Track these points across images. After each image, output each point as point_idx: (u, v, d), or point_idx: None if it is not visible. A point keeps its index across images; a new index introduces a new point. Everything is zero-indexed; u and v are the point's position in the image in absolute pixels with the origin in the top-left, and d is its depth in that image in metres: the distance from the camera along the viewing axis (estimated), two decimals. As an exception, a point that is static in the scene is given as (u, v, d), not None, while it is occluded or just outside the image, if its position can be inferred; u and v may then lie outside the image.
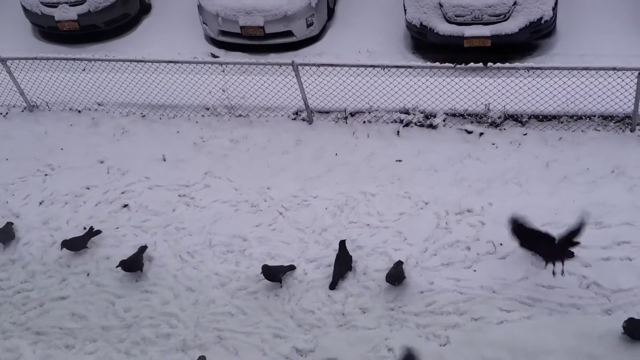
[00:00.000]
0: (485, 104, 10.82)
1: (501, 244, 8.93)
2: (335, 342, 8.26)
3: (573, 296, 8.29)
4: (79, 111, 12.29)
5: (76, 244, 9.65)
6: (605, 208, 9.24)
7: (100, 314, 8.99)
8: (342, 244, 9.04)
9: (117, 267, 9.24)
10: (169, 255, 9.56)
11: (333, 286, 8.86)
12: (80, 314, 9.03)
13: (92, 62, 12.60)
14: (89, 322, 8.93)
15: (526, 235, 8.43)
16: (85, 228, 9.94)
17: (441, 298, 8.52)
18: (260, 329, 8.56)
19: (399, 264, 8.74)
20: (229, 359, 8.30)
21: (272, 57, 12.90)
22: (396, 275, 8.57)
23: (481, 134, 10.70)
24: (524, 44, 12.52)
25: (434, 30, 12.30)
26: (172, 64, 11.63)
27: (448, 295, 8.54)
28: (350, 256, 9.01)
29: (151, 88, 11.89)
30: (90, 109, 12.28)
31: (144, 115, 12.02)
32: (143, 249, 9.48)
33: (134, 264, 9.24)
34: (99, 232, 9.85)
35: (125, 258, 9.30)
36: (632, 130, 10.34)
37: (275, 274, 8.85)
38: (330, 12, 14.06)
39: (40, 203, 10.66)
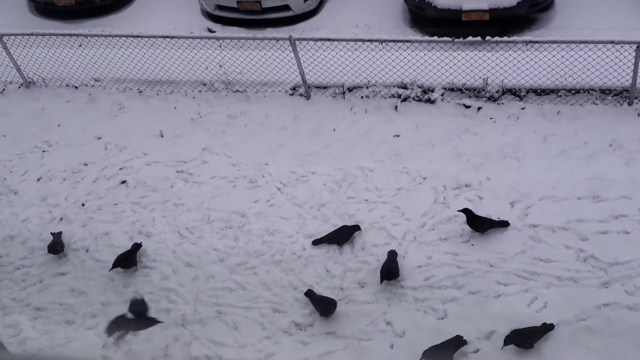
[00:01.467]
0: (484, 78, 10.79)
1: (499, 218, 8.95)
2: (334, 316, 8.30)
3: (570, 269, 8.33)
4: (76, 87, 12.25)
5: (55, 248, 9.45)
6: (602, 182, 9.26)
7: (99, 290, 9.03)
8: (357, 227, 9.08)
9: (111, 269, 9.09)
10: (168, 231, 9.58)
11: (316, 242, 9.08)
12: (79, 290, 9.07)
13: (89, 37, 12.56)
14: (88, 298, 8.97)
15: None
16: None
17: (439, 272, 8.55)
18: (260, 303, 8.60)
19: (393, 256, 8.63)
20: (229, 334, 8.35)
21: (269, 32, 12.86)
22: (391, 271, 8.47)
23: (479, 108, 10.69)
24: (523, 18, 12.48)
25: (431, 4, 12.24)
26: (169, 39, 11.58)
27: (446, 269, 8.58)
28: (349, 236, 9.05)
29: (148, 64, 11.85)
30: (87, 85, 12.25)
31: (140, 91, 11.99)
32: (137, 246, 9.31)
33: (128, 261, 9.12)
34: (60, 233, 9.64)
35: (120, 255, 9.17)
36: (630, 104, 10.33)
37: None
38: (328, -14, 13.99)
39: (39, 179, 10.66)
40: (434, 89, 11.01)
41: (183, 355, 8.22)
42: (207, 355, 8.20)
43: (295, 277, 8.80)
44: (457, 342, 7.71)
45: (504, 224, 8.86)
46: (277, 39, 11.05)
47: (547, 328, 7.73)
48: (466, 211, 8.83)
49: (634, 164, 9.45)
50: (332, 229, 9.15)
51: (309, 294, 8.36)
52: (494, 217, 8.97)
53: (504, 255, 8.59)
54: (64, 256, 9.47)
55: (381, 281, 8.44)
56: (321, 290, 8.57)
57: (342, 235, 9.04)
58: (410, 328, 8.05)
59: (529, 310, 8.01)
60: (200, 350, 8.23)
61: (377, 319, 8.22)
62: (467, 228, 8.91)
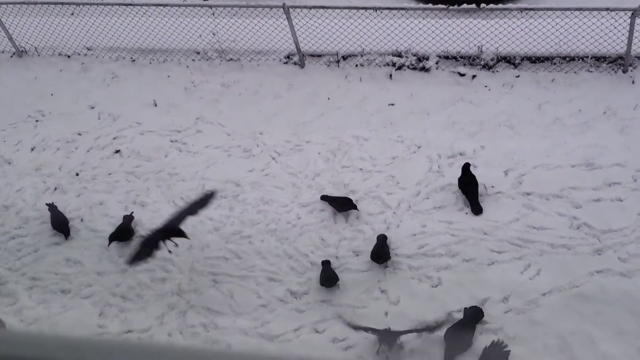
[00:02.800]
0: (478, 46, 10.75)
1: (492, 187, 8.98)
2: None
3: (564, 237, 8.37)
4: (69, 56, 12.17)
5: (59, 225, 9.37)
6: (596, 149, 9.27)
7: (94, 259, 9.05)
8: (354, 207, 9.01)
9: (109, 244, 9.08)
10: (162, 201, 9.59)
11: (323, 198, 9.16)
12: (75, 260, 9.10)
13: (81, 5, 12.44)
14: (84, 267, 9.00)
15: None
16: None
17: (433, 240, 8.60)
18: (255, 272, 8.64)
19: (383, 240, 8.51)
20: (224, 302, 8.39)
21: None
22: (383, 255, 8.39)
23: (474, 76, 10.66)
24: (518, -15, 12.40)
25: (426, -30, 12.14)
26: (162, 7, 11.48)
27: (440, 237, 8.62)
28: (348, 208, 9.02)
29: (141, 32, 11.76)
30: (79, 54, 12.16)
31: (133, 60, 11.92)
32: (130, 218, 9.29)
33: (124, 234, 9.11)
34: (53, 205, 9.54)
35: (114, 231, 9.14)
36: (624, 71, 10.31)
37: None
38: (321, -47, 13.83)
39: (32, 149, 10.63)
40: (428, 57, 10.97)
41: (179, 323, 8.28)
42: (203, 323, 8.25)
43: (290, 245, 8.83)
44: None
45: (477, 210, 8.78)
46: (271, 7, 10.97)
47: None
48: (465, 165, 8.92)
49: (628, 131, 9.46)
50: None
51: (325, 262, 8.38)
52: (489, 186, 8.99)
53: (497, 223, 8.62)
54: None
55: (379, 262, 8.46)
56: (316, 258, 8.62)
57: (343, 204, 9.04)
58: (405, 296, 8.11)
59: (522, 277, 8.07)
60: (196, 319, 8.29)
61: (372, 287, 8.27)
62: (462, 197, 8.95)
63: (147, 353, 1.92)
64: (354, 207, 8.96)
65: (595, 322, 7.56)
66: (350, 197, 9.12)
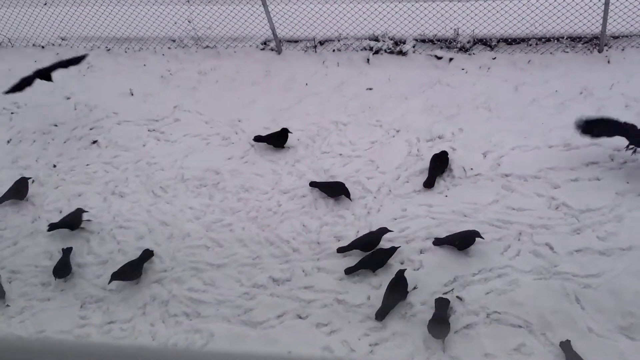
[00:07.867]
0: (454, 29, 10.76)
1: (472, 169, 9.02)
2: (310, 271, 8.37)
3: (542, 217, 8.43)
4: (43, 47, 12.05)
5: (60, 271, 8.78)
6: (573, 129, 9.31)
7: (75, 251, 8.99)
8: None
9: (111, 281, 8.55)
10: (142, 191, 9.54)
11: (312, 184, 9.16)
12: (55, 252, 9.03)
13: (53, -5, 12.33)
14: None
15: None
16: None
17: (414, 224, 8.62)
18: (237, 260, 8.63)
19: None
20: (207, 291, 8.38)
21: (238, -14, 12.68)
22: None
23: (451, 59, 10.68)
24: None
25: (401, -47, 12.11)
26: (136, -5, 11.41)
27: (421, 221, 8.64)
28: (339, 193, 9.01)
29: (115, 20, 11.66)
30: (54, 44, 12.05)
31: (108, 49, 11.82)
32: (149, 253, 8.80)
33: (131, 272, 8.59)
34: (70, 249, 9.00)
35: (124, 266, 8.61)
36: (600, 51, 10.37)
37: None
38: (296, -63, 13.76)
39: (8, 142, 10.54)
40: (405, 41, 10.97)
41: (161, 313, 8.26)
42: (185, 312, 8.24)
43: (272, 232, 8.83)
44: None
45: (427, 184, 8.91)
46: (246, -7, 10.92)
47: None
48: (443, 152, 9.10)
49: (604, 111, 9.51)
50: (306, 185, 9.21)
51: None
52: (467, 167, 9.03)
53: (477, 206, 8.66)
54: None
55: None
56: (298, 245, 8.62)
57: (336, 189, 9.05)
58: (387, 280, 8.12)
59: (502, 258, 8.11)
60: (178, 308, 8.27)
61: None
62: (442, 181, 8.98)
63: (130, 355, 1.92)
64: (346, 193, 8.97)
65: (575, 300, 7.63)
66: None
